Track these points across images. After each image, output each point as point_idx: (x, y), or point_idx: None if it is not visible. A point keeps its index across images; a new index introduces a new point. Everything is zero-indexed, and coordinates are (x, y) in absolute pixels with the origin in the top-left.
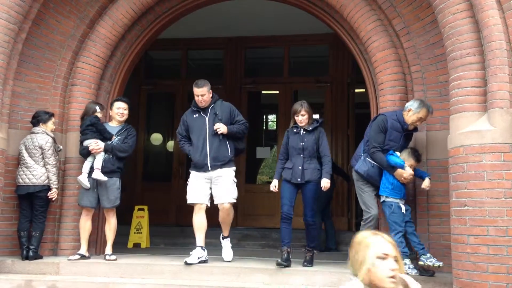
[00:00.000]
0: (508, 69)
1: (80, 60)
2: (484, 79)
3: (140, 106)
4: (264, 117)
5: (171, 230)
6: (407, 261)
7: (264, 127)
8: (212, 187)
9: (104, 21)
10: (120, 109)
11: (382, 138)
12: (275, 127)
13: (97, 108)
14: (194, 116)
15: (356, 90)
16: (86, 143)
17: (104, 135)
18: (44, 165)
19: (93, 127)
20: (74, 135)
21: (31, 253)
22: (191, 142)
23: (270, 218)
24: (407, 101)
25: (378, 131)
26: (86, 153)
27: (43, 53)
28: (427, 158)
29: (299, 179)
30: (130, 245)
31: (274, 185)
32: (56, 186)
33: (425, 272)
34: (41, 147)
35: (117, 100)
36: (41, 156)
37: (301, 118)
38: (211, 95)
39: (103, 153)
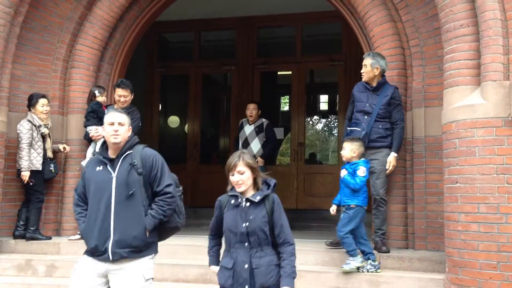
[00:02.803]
0: (502, 40)
1: (78, 42)
2: (478, 51)
3: (154, 89)
4: (282, 98)
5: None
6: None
7: (281, 108)
8: (111, 285)
9: (101, 2)
10: (121, 97)
11: (351, 108)
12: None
13: (97, 92)
14: (97, 168)
15: None
16: (87, 129)
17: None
18: None
19: (94, 113)
20: (74, 117)
21: (27, 234)
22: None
23: (284, 199)
24: (406, 76)
25: (349, 101)
26: (88, 139)
27: (42, 36)
28: (425, 134)
29: (246, 287)
30: None
31: (213, 270)
32: (24, 169)
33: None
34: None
35: (118, 85)
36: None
37: (237, 179)
38: (129, 133)
39: (103, 139)
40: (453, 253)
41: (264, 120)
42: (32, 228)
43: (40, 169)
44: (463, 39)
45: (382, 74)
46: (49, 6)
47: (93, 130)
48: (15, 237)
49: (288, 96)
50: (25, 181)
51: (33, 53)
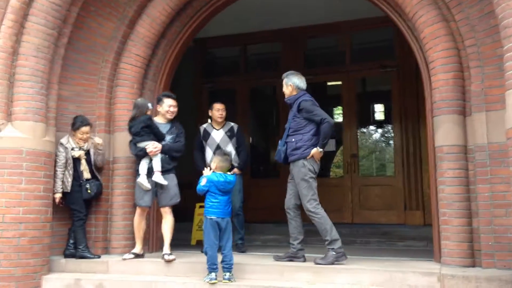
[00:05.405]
0: None
1: (122, 61)
2: None
3: (202, 105)
4: (334, 109)
5: None
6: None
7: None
8: None
9: (142, 20)
10: (171, 107)
11: None
12: (341, 120)
13: (150, 105)
14: None
15: None
16: (142, 144)
17: (158, 137)
18: None
19: (147, 128)
20: (120, 135)
21: (77, 253)
22: None
23: (337, 213)
24: (463, 79)
25: None
26: (142, 154)
27: (87, 57)
28: (488, 141)
29: None
30: (193, 242)
31: None
32: (55, 191)
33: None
34: None
35: (167, 96)
36: None
37: None
38: None
39: (160, 155)
40: None
41: (232, 123)
42: (80, 247)
43: (69, 191)
44: None
45: (301, 90)
46: (93, 27)
47: (150, 146)
48: (66, 256)
49: (341, 107)
50: (56, 203)
51: (79, 74)
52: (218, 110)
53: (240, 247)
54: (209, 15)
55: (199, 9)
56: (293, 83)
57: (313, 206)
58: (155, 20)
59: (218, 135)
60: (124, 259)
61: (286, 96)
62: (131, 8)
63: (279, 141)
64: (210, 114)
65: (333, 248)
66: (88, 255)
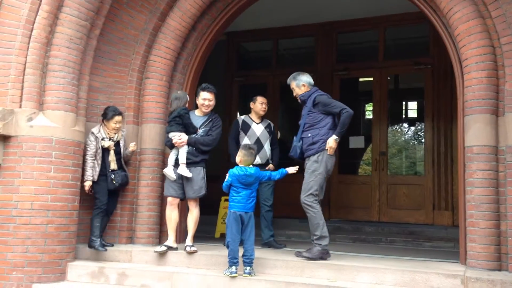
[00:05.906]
0: None
1: (152, 53)
2: None
3: (233, 99)
4: (366, 105)
5: None
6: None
7: (365, 116)
8: None
9: (173, 13)
10: (205, 101)
11: None
12: (371, 116)
13: (188, 97)
14: None
15: None
16: (170, 135)
17: (188, 129)
18: None
19: (179, 119)
20: (148, 127)
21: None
22: None
23: (364, 211)
24: (497, 78)
25: None
26: (170, 145)
27: (119, 49)
28: None
29: None
30: (217, 235)
31: None
32: (86, 179)
33: None
34: None
35: (203, 89)
36: None
37: None
38: None
39: (186, 147)
40: None
41: (269, 120)
42: (92, 236)
43: (95, 180)
44: None
45: (312, 86)
46: (125, 19)
47: (176, 136)
48: (88, 246)
49: (372, 104)
50: (86, 191)
51: (110, 65)
52: (261, 103)
53: (277, 243)
54: (240, 9)
55: (230, 3)
56: (305, 82)
57: (311, 201)
58: (186, 13)
59: (258, 128)
60: (156, 252)
61: (298, 95)
62: (163, 1)
63: (294, 137)
64: (251, 106)
65: (320, 244)
66: (94, 245)
